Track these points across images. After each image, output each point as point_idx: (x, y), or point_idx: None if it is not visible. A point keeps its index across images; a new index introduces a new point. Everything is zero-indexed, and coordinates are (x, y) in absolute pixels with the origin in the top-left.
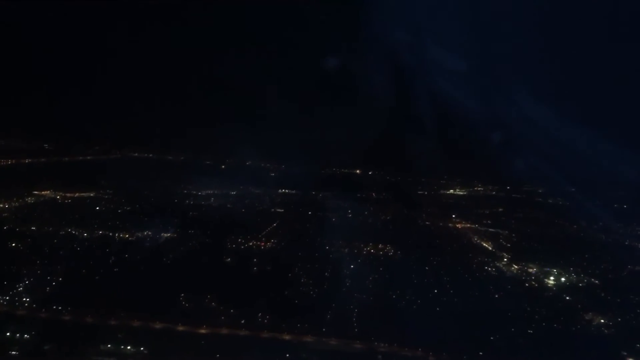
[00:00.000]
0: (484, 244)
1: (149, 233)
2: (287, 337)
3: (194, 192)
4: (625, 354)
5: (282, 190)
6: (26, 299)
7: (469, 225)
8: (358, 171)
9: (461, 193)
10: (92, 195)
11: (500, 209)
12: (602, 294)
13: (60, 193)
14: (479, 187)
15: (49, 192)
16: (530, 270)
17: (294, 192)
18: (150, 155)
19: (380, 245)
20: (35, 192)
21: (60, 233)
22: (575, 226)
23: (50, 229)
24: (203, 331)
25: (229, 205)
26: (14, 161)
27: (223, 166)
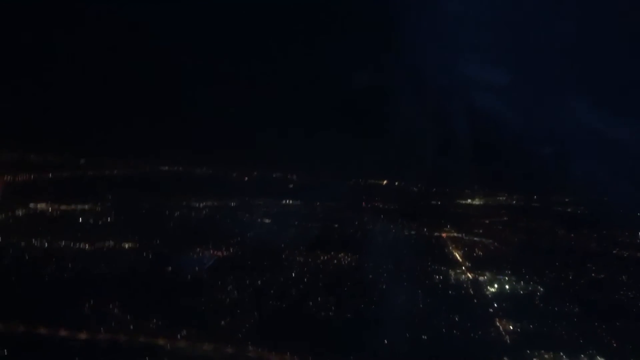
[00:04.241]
0: (455, 253)
1: (110, 243)
2: (160, 342)
3: (193, 204)
4: (506, 359)
5: (284, 201)
6: None
7: (454, 234)
8: (385, 182)
9: (477, 203)
10: (85, 208)
11: (505, 218)
12: (537, 302)
13: (56, 206)
14: (502, 197)
15: (44, 204)
16: (481, 278)
17: (297, 202)
18: (180, 168)
19: (341, 254)
20: (31, 205)
21: (21, 244)
22: (572, 235)
23: (15, 240)
24: (82, 336)
25: (217, 217)
26: (35, 175)
27: (246, 178)
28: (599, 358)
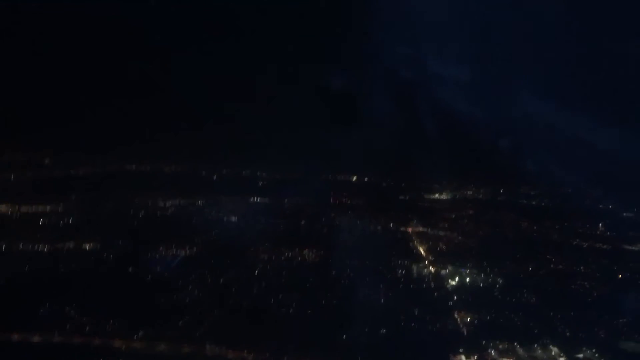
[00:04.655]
0: (419, 247)
1: (70, 245)
2: (116, 344)
3: (160, 204)
4: (461, 350)
5: (252, 198)
6: None
7: (420, 229)
8: (354, 178)
9: (444, 197)
10: (47, 209)
11: (470, 212)
12: (496, 293)
13: (16, 207)
14: (470, 191)
15: (4, 205)
16: (443, 271)
17: (265, 200)
18: (148, 167)
19: (305, 251)
20: None
21: None
22: (535, 227)
23: None
24: (36, 339)
25: (182, 215)
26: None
27: (215, 176)
28: (552, 347)
